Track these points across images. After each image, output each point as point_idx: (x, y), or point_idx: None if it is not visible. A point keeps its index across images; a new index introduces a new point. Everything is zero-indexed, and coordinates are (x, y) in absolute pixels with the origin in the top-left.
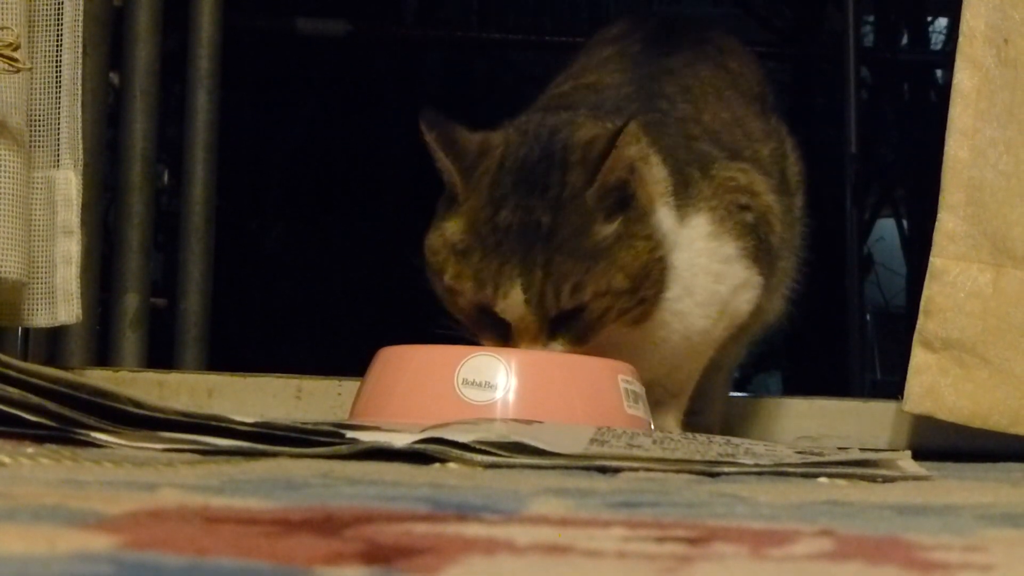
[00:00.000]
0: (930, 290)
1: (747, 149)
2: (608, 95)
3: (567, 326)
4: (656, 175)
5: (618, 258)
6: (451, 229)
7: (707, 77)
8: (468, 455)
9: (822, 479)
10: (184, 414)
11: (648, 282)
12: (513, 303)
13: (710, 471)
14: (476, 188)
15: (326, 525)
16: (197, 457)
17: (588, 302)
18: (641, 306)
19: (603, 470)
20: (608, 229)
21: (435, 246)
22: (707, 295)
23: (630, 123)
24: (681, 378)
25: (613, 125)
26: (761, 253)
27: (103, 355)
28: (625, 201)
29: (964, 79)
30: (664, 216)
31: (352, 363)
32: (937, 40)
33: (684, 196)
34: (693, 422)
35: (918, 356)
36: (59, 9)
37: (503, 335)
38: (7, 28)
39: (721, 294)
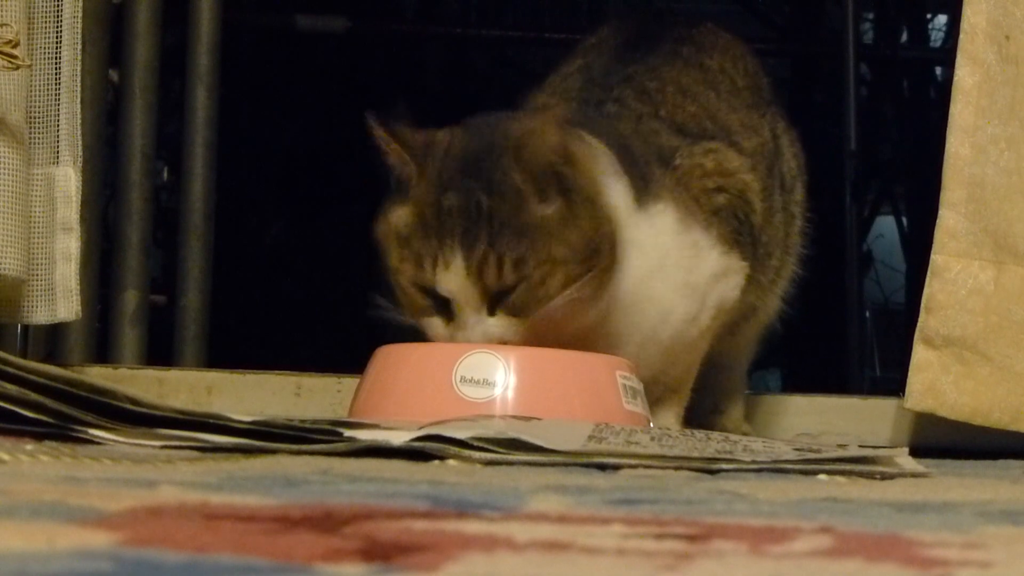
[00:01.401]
0: (931, 287)
1: (719, 134)
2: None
3: (507, 300)
4: (600, 159)
5: (561, 234)
6: (396, 215)
7: (671, 76)
8: (467, 452)
9: (821, 476)
10: (181, 412)
11: (598, 256)
12: (454, 275)
13: (709, 468)
14: (423, 177)
15: (325, 522)
16: (196, 454)
17: (530, 273)
18: (591, 275)
19: (602, 467)
20: (547, 209)
21: (380, 233)
22: (680, 283)
23: (544, 113)
24: (678, 372)
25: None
26: (741, 236)
27: (102, 352)
28: (564, 188)
29: (965, 76)
30: (615, 192)
31: (351, 360)
32: (937, 37)
33: (645, 194)
34: (714, 421)
35: (919, 353)
36: (58, 6)
37: (445, 313)
38: (6, 25)
39: (696, 283)
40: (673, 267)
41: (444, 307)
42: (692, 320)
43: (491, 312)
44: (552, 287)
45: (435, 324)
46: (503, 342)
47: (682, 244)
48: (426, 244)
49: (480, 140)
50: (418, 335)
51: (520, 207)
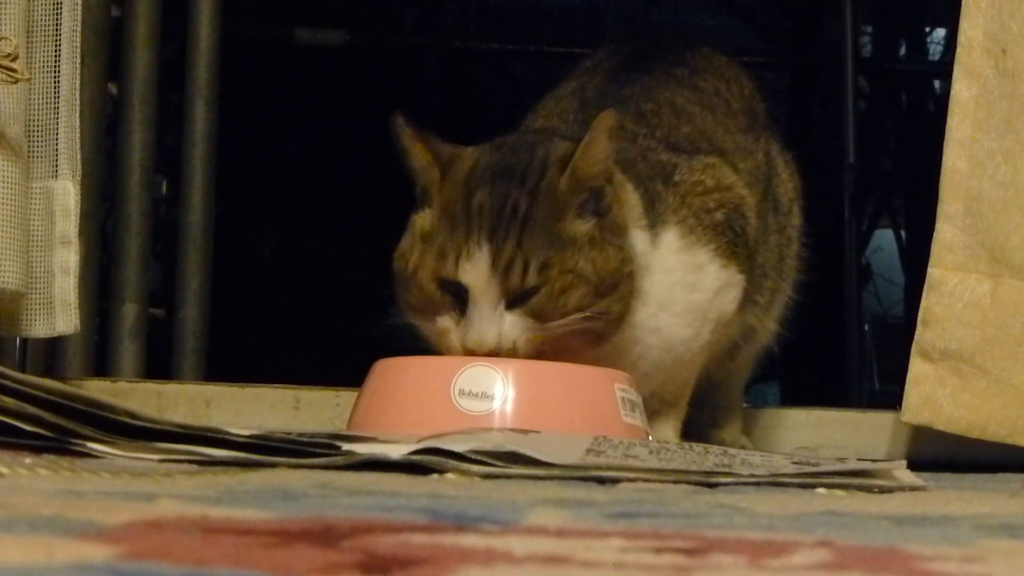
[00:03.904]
0: (928, 300)
1: (714, 153)
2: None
3: (525, 303)
4: (630, 199)
5: (589, 253)
6: (420, 223)
7: (665, 98)
8: (465, 466)
9: (820, 490)
10: (180, 426)
11: (615, 294)
12: (477, 266)
13: (707, 482)
14: (450, 184)
15: (324, 536)
16: (195, 468)
17: (553, 280)
18: (603, 319)
19: (601, 481)
20: (582, 226)
21: (403, 248)
22: (684, 306)
23: (606, 111)
24: (675, 388)
25: None
26: (738, 248)
27: (101, 365)
28: (600, 211)
29: (962, 89)
30: (638, 239)
31: (350, 374)
32: (935, 50)
33: (653, 213)
34: (712, 435)
35: (916, 366)
36: (57, 19)
37: (459, 309)
38: (5, 38)
39: (698, 302)
40: (679, 290)
41: (459, 305)
42: (694, 340)
43: (508, 307)
44: (571, 300)
45: (446, 321)
46: (511, 348)
47: (686, 264)
48: (451, 237)
49: (517, 155)
50: (417, 349)
51: (558, 215)
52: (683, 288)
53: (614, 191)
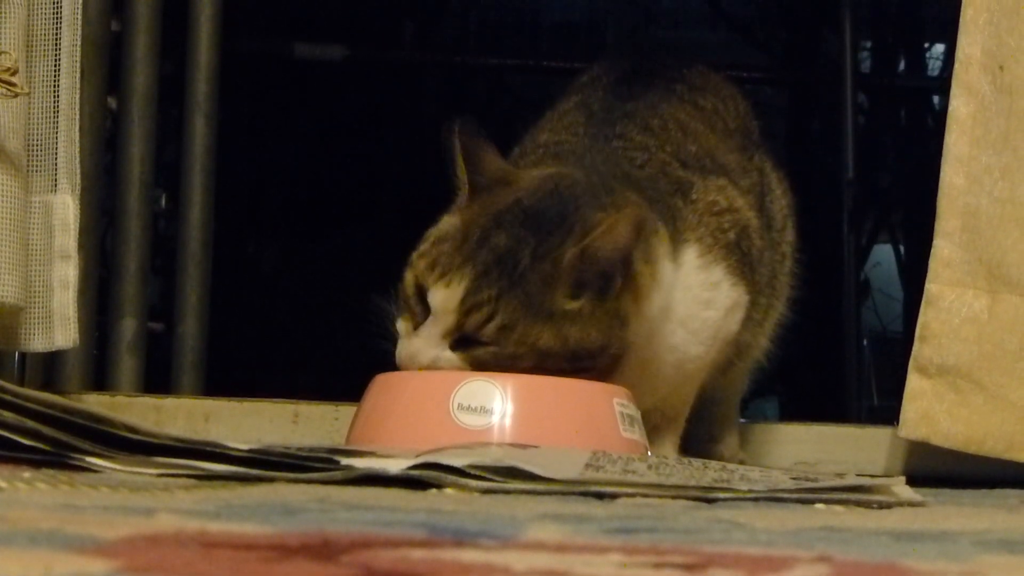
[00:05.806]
0: (926, 316)
1: (719, 172)
2: (563, 153)
3: (472, 348)
4: (660, 235)
5: (563, 328)
6: (445, 222)
7: (670, 114)
8: (464, 480)
9: (819, 505)
10: (179, 440)
11: (590, 361)
12: (450, 295)
13: (706, 497)
14: (484, 205)
15: (323, 550)
16: (194, 482)
17: (506, 344)
18: (585, 373)
19: (600, 495)
20: (569, 303)
21: (426, 233)
22: (699, 323)
23: (627, 209)
24: (677, 403)
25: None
26: (745, 267)
27: (100, 380)
28: (605, 293)
29: (960, 106)
30: (658, 298)
31: (349, 388)
32: (934, 66)
33: (673, 230)
34: (710, 450)
35: (913, 382)
36: (57, 33)
37: (420, 320)
38: (5, 52)
39: (713, 320)
40: (696, 306)
41: (422, 317)
42: (703, 357)
43: (453, 347)
44: (517, 367)
45: (404, 325)
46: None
47: (704, 281)
48: (451, 256)
49: (560, 205)
50: None
51: (550, 286)
52: (699, 305)
53: (631, 284)
